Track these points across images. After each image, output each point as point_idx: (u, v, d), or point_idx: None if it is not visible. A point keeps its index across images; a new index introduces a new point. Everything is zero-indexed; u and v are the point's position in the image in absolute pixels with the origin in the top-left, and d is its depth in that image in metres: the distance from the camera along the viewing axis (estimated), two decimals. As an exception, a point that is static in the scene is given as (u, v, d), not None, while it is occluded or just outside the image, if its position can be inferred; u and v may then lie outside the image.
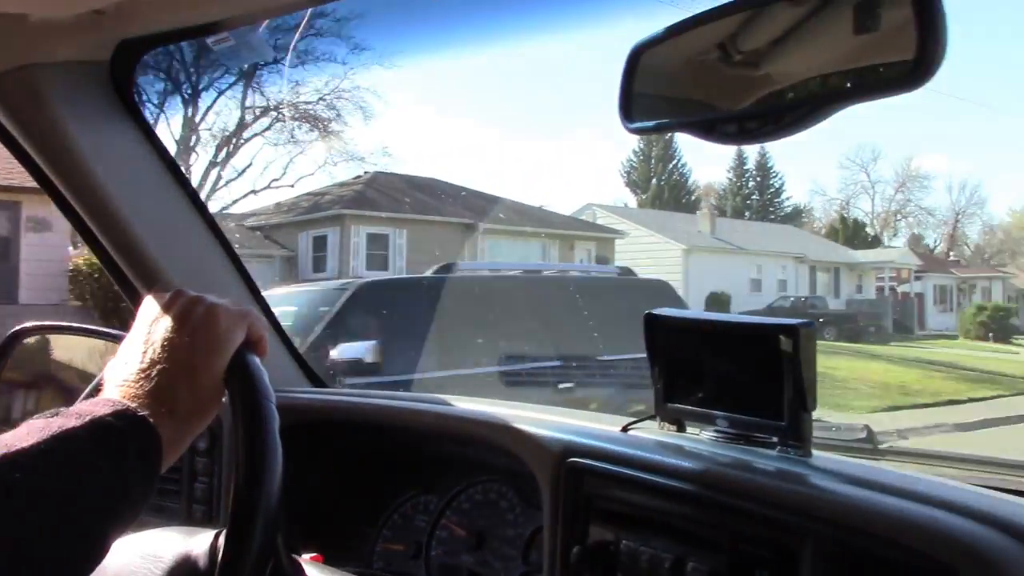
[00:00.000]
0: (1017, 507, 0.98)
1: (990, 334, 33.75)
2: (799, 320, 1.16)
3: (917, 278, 45.62)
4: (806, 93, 0.94)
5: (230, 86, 25.63)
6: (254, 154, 39.04)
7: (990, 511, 0.94)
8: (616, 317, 7.35)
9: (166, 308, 0.99)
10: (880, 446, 1.90)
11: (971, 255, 78.84)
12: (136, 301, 1.17)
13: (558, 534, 1.32)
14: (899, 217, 78.15)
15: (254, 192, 29.69)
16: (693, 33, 1.03)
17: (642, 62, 1.07)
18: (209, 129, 27.52)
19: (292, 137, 28.80)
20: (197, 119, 25.81)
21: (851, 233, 57.35)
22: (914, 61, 0.83)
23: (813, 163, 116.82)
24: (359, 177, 29.24)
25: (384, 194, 27.92)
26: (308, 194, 29.23)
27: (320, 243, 26.33)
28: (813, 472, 1.12)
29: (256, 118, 27.60)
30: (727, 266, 36.34)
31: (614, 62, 1.09)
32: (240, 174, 28.82)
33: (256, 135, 27.82)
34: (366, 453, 1.93)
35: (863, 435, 1.92)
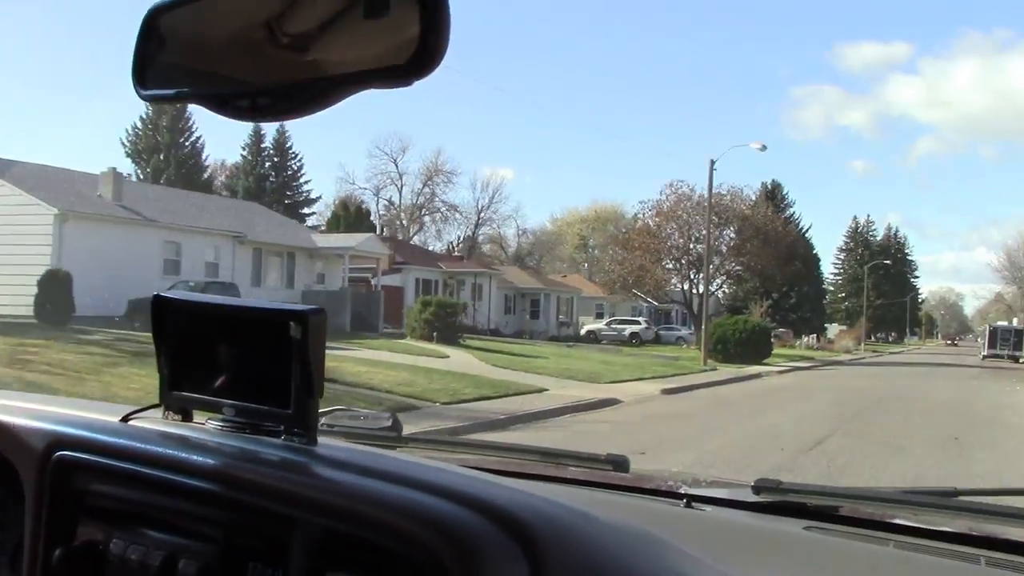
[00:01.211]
0: (491, 486, 1.03)
1: (434, 333, 28.74)
2: (309, 307, 1.13)
3: (396, 270, 40.85)
4: (318, 74, 0.94)
5: None
6: None
7: (465, 490, 0.98)
8: None
9: None
10: (403, 434, 1.94)
11: (510, 255, 79.20)
12: None
13: (40, 536, 1.25)
14: (425, 212, 75.66)
15: None
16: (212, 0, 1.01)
17: (161, 26, 1.02)
18: None
19: None
20: None
21: (353, 220, 51.78)
22: (416, 53, 0.85)
23: (342, 148, 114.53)
24: None
25: None
26: None
27: None
28: (314, 461, 1.12)
29: None
30: (133, 240, 28.34)
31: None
32: None
33: None
34: None
35: (389, 423, 1.95)
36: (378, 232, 59.32)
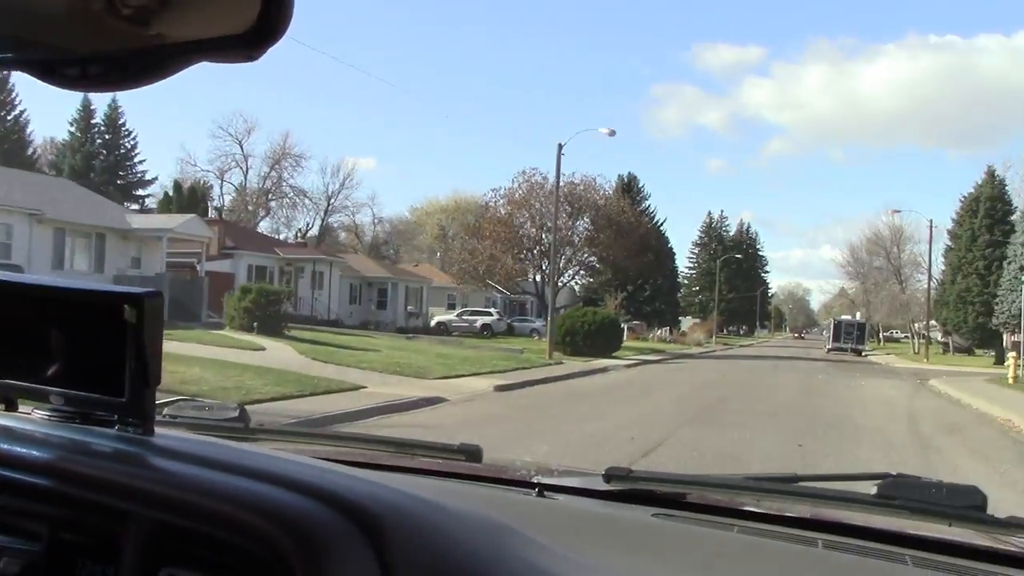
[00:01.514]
0: (336, 476, 1.02)
1: (255, 323, 26.18)
2: (145, 289, 1.07)
3: (228, 255, 37.89)
4: (153, 43, 0.87)
5: None
6: None
7: (308, 480, 0.97)
8: None
9: None
10: (251, 425, 1.93)
11: (366, 244, 76.52)
12: None
13: None
14: (271, 197, 71.99)
15: None
16: None
17: None
18: None
19: None
20: None
21: (187, 202, 48.23)
22: (256, 25, 0.80)
23: (183, 128, 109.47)
24: None
25: None
26: None
27: None
28: (149, 452, 1.06)
29: None
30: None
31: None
32: None
33: None
34: None
35: (236, 414, 1.92)
36: (219, 216, 55.81)
